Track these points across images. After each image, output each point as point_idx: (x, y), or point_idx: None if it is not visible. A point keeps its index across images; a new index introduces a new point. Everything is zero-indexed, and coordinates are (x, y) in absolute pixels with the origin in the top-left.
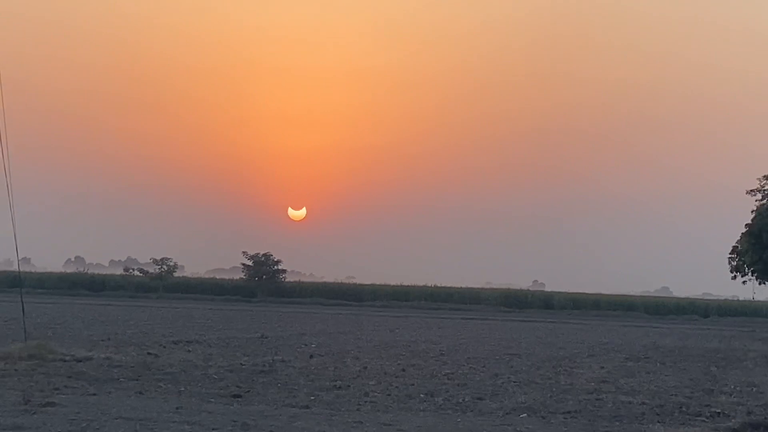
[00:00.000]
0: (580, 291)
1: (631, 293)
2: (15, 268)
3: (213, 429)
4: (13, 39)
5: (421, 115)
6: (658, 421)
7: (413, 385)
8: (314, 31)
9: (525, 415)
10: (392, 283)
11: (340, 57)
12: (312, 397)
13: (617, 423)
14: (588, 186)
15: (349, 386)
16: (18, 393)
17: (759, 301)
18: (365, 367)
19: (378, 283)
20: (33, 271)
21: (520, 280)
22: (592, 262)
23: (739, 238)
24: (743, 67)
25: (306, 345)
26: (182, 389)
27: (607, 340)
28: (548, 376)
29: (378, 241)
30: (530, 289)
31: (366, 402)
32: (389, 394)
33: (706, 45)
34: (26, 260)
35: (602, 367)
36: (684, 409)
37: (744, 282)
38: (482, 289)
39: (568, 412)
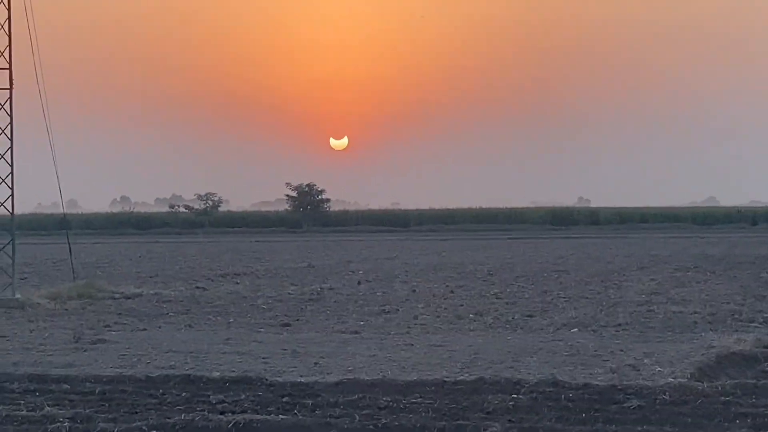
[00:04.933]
0: (626, 206)
1: (678, 205)
2: (61, 210)
3: (263, 358)
4: None
5: (462, 40)
6: (711, 330)
7: (462, 306)
8: None
9: (576, 329)
10: (437, 207)
11: None
12: (361, 323)
13: (669, 333)
14: (630, 99)
15: (398, 310)
16: (69, 331)
17: None
18: (413, 291)
19: (423, 207)
20: (80, 212)
21: (565, 198)
22: (637, 177)
23: None
24: None
25: (353, 272)
26: (231, 321)
27: (656, 252)
28: (598, 290)
29: (420, 166)
30: (576, 206)
31: (415, 325)
32: (438, 316)
33: None
34: (72, 202)
35: (652, 279)
36: (736, 316)
37: None
38: (527, 208)
39: (619, 325)
